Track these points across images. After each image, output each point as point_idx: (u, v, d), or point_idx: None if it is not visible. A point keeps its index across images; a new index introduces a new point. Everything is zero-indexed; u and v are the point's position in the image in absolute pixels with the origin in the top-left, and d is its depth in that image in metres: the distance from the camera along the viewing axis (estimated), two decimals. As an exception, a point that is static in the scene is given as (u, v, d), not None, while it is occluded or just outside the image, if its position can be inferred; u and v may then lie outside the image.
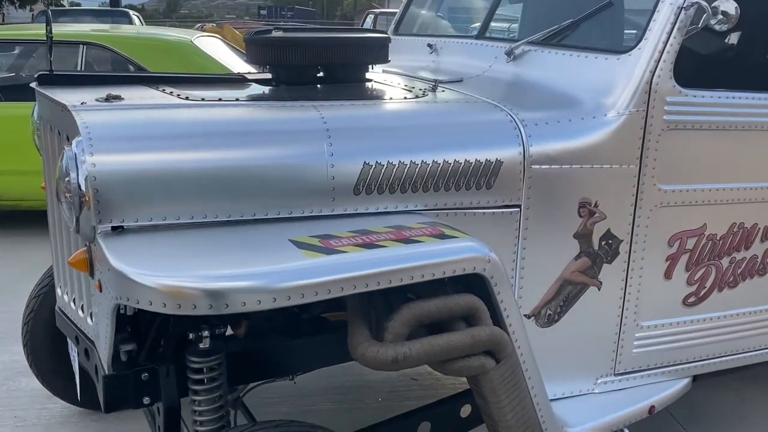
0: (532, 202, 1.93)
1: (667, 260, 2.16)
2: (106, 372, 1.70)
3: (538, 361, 1.96)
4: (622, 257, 2.09)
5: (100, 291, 1.54)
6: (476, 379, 1.63)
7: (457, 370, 1.57)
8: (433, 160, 1.78)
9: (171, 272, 1.35)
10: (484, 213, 1.89)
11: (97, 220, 1.50)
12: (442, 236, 1.62)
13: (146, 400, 1.78)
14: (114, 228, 1.53)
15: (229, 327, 1.95)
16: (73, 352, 2.04)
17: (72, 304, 1.95)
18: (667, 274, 2.18)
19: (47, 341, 2.68)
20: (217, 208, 1.58)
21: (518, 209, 1.92)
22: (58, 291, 2.05)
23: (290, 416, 2.99)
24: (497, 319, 1.69)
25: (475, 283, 1.67)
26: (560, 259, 2.02)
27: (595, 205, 2.00)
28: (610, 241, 2.06)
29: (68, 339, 2.06)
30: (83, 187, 1.49)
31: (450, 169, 1.80)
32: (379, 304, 1.59)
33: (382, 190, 1.73)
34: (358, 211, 1.72)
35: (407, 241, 1.57)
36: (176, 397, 1.81)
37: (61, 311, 2.05)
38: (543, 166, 1.92)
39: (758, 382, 3.38)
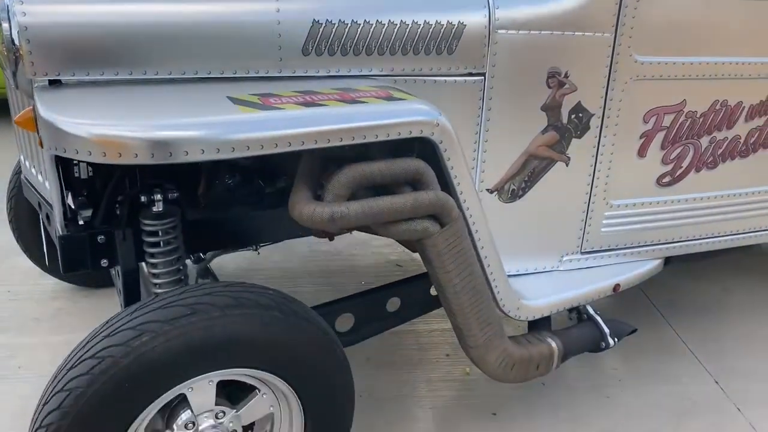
0: (497, 71, 1.85)
1: (641, 137, 2.09)
2: (61, 232, 1.72)
3: (500, 236, 1.95)
4: (593, 132, 2.02)
5: (42, 147, 1.53)
6: (421, 243, 1.62)
7: (399, 232, 1.55)
8: (389, 21, 1.70)
9: (98, 120, 1.32)
10: (445, 81, 1.82)
11: (32, 72, 1.46)
12: (390, 98, 1.56)
13: (104, 263, 1.81)
14: (51, 82, 1.50)
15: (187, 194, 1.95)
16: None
17: (32, 170, 1.95)
18: (641, 152, 2.11)
19: (30, 216, 2.72)
20: (156, 65, 1.53)
21: (482, 78, 1.85)
22: (21, 158, 2.06)
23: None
24: (448, 187, 1.65)
25: (426, 150, 1.63)
26: (526, 133, 1.95)
27: (566, 76, 1.92)
28: (580, 115, 1.98)
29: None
30: (16, 40, 1.45)
31: (408, 30, 1.72)
32: (325, 168, 1.56)
33: (334, 52, 1.66)
34: (307, 74, 1.66)
35: (351, 101, 1.51)
36: (133, 260, 1.83)
37: (27, 180, 2.06)
38: (510, 32, 1.83)
39: (743, 274, 3.37)
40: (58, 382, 1.46)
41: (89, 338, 1.51)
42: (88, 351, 1.47)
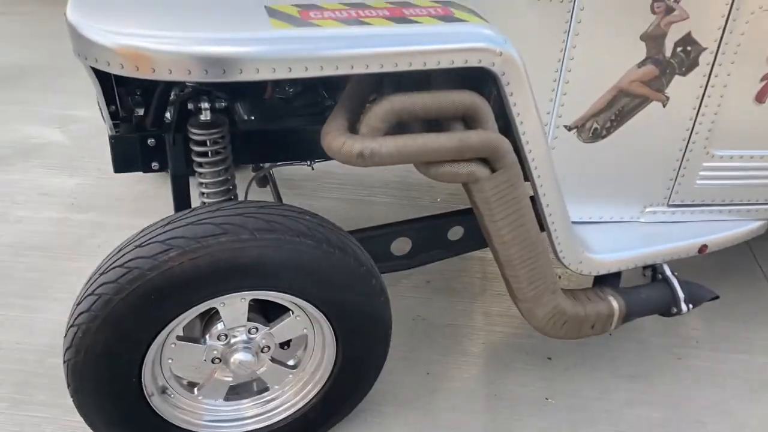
0: (591, -10, 1.58)
1: (762, 80, 1.76)
2: (110, 133, 1.71)
3: (575, 179, 1.76)
4: (702, 69, 1.72)
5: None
6: (467, 186, 1.46)
7: (440, 175, 1.40)
8: (465, -76, 1.46)
9: (126, 28, 1.22)
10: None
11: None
12: (449, 18, 1.36)
13: (154, 165, 1.81)
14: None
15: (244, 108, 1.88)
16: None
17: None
18: (759, 97, 1.78)
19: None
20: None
21: (572, -3, 1.59)
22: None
23: (341, 203, 3.00)
24: (508, 125, 1.47)
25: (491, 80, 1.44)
26: (619, 64, 1.69)
27: (676, 0, 1.61)
28: (688, 48, 1.68)
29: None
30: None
31: (486, -63, 1.48)
32: (371, 93, 1.41)
33: (396, -41, 1.46)
34: (367, -17, 1.48)
35: (401, 20, 1.33)
36: (183, 165, 1.81)
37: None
38: (612, -57, 1.54)
39: None
40: (91, 284, 1.49)
41: (123, 245, 1.51)
42: (119, 259, 1.47)
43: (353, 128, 1.38)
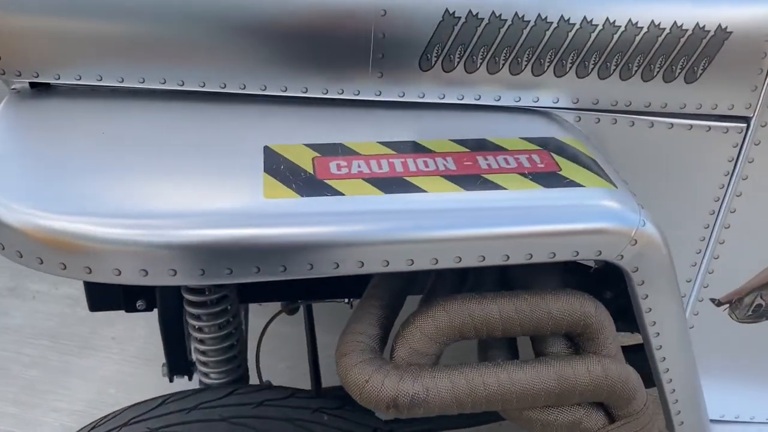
0: (775, 116, 1.03)
1: None
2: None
3: (717, 364, 1.21)
4: None
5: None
6: (567, 435, 0.93)
7: (528, 423, 0.88)
8: (585, 18, 0.94)
9: (48, 202, 0.78)
10: (671, 125, 1.04)
11: (0, 70, 0.97)
12: (551, 177, 0.85)
13: (140, 305, 1.37)
14: (33, 85, 0.99)
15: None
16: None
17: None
18: None
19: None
20: (182, 70, 0.95)
21: (743, 126, 1.04)
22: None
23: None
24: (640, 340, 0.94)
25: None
26: (805, 222, 1.13)
27: None
28: None
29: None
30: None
31: (615, 36, 0.96)
32: (407, 284, 0.92)
33: (475, 65, 0.96)
34: (423, 99, 0.98)
35: (472, 180, 0.83)
36: (176, 306, 1.36)
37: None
38: (818, 48, 0.98)
39: None
40: None
41: None
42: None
43: (385, 344, 0.89)
